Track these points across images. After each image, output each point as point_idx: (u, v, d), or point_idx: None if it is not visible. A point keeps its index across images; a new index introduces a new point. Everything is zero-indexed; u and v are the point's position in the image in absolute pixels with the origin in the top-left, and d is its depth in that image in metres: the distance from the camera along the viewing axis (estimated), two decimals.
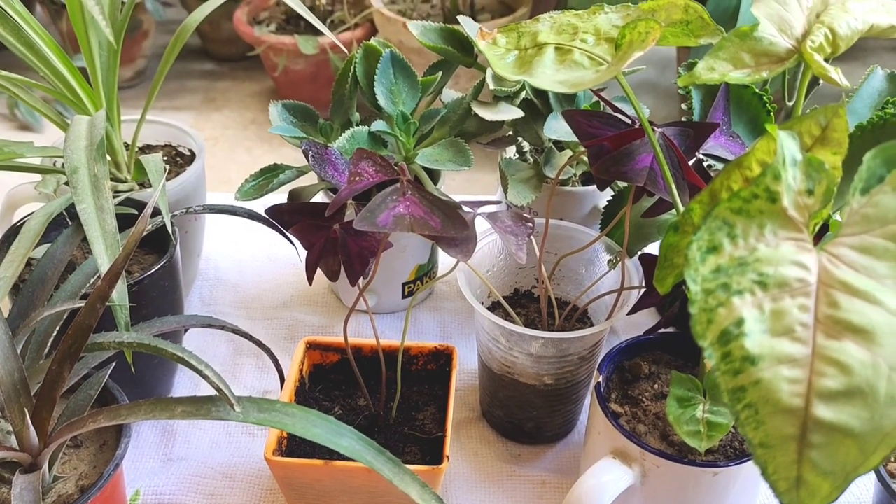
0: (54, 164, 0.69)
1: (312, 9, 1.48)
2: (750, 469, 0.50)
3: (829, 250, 0.32)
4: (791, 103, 0.58)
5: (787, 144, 0.33)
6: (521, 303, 0.67)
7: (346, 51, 0.90)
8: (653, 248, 0.67)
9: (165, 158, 0.76)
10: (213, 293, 0.78)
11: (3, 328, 0.45)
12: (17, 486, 0.42)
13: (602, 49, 0.47)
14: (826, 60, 0.39)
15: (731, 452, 0.51)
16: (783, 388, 0.29)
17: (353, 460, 0.50)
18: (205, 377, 0.40)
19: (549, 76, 0.45)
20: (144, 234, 0.59)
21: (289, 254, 0.80)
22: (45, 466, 0.46)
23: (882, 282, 0.31)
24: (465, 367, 0.71)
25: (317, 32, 1.42)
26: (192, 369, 0.40)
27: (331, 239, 0.53)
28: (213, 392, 0.41)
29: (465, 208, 0.51)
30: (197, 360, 0.40)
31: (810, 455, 0.29)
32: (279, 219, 0.56)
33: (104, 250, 0.48)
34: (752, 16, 1.22)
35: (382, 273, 0.73)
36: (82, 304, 0.44)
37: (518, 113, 0.66)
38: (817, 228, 0.34)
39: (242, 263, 0.82)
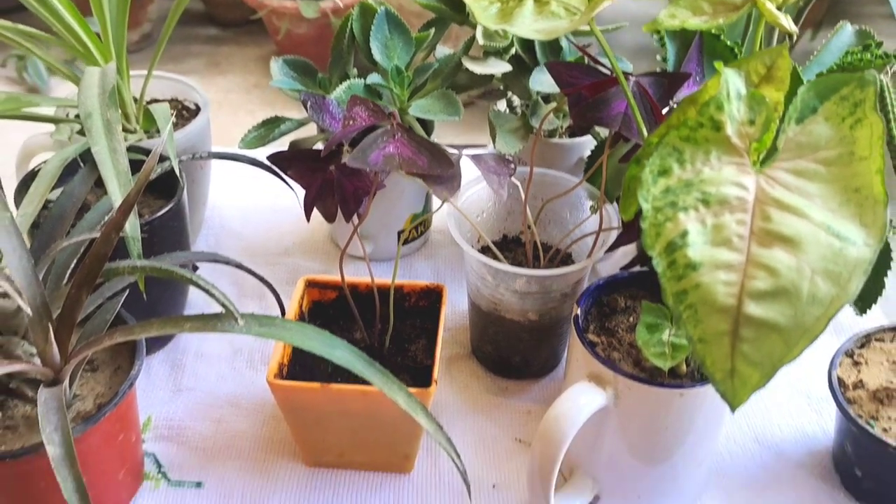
0: (67, 115, 0.73)
1: None
2: (714, 391, 0.54)
3: (766, 173, 0.36)
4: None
5: (731, 80, 0.37)
6: (509, 247, 0.71)
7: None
8: None
9: (172, 112, 0.79)
10: (219, 240, 0.83)
11: (26, 257, 0.49)
12: (43, 396, 0.46)
13: (577, 1, 0.50)
14: (778, 9, 0.43)
15: (698, 377, 0.55)
16: (719, 290, 0.33)
17: (350, 383, 0.54)
18: (212, 295, 0.44)
19: (527, 25, 0.49)
20: (153, 177, 0.63)
21: (290, 204, 0.84)
22: (66, 383, 0.50)
23: (811, 199, 0.34)
24: (456, 309, 0.75)
25: None
26: (200, 288, 0.44)
27: (327, 180, 0.56)
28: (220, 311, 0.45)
29: (451, 151, 0.55)
30: (204, 281, 0.45)
31: (742, 348, 0.33)
32: (280, 165, 0.60)
33: (118, 188, 0.52)
34: None
35: (378, 221, 0.77)
36: (98, 236, 0.48)
37: (506, 67, 0.70)
38: (762, 157, 0.38)
39: (246, 213, 0.86)
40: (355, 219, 0.58)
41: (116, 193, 0.52)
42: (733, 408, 0.34)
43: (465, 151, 0.55)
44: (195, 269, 0.63)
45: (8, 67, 1.65)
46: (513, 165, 0.56)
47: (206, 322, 0.44)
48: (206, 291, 0.44)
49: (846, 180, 0.34)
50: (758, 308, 0.33)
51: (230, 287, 0.77)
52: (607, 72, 0.58)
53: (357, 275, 0.79)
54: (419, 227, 0.81)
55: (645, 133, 0.53)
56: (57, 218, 0.55)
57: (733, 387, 0.33)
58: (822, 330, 0.32)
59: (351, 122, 0.53)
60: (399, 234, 0.79)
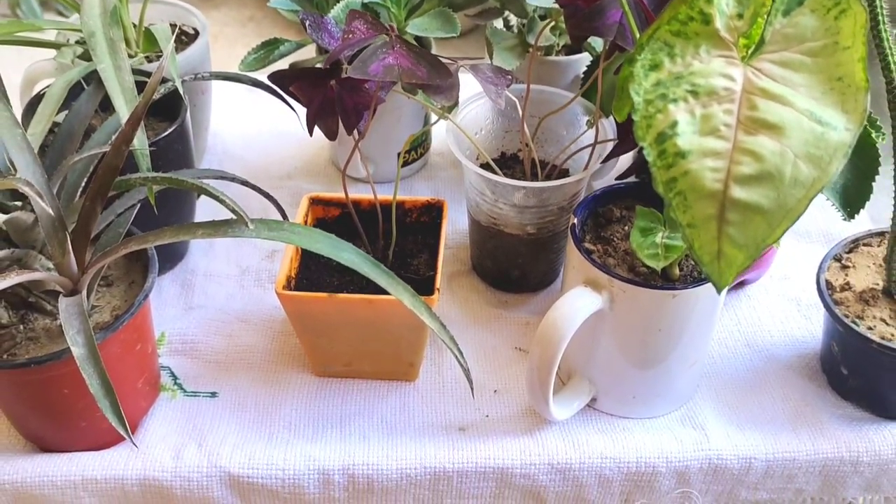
0: (68, 41, 0.73)
1: None
2: (706, 292, 0.56)
3: (753, 64, 0.37)
4: None
5: None
6: (508, 164, 0.73)
7: None
8: None
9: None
10: (222, 165, 0.84)
11: (40, 172, 0.51)
12: (63, 304, 0.49)
13: None
14: None
15: (691, 281, 0.57)
16: (707, 176, 0.35)
17: (355, 293, 0.57)
18: (222, 202, 0.46)
19: None
20: (156, 98, 0.64)
21: (292, 128, 0.85)
22: (84, 293, 0.52)
23: (796, 89, 0.36)
24: (456, 227, 0.77)
25: None
26: (210, 196, 0.46)
27: (328, 97, 0.58)
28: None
29: (449, 62, 0.56)
30: (214, 189, 0.46)
31: (728, 231, 0.35)
32: (281, 84, 0.61)
33: (124, 104, 0.54)
34: None
35: (379, 143, 0.78)
36: (105, 149, 0.50)
37: None
38: (750, 50, 0.39)
39: (248, 138, 0.87)
40: (356, 135, 0.59)
41: (123, 109, 0.53)
42: (719, 288, 0.36)
43: (462, 62, 0.56)
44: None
45: (2, 5, 1.63)
46: (510, 76, 0.57)
47: (218, 228, 0.46)
48: (216, 198, 0.45)
49: (830, 70, 0.36)
50: (743, 192, 0.35)
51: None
52: None
53: (359, 194, 0.81)
54: (419, 148, 0.82)
55: None
56: (66, 136, 0.56)
57: (719, 268, 0.35)
58: (803, 211, 0.34)
59: (350, 36, 0.54)
60: (399, 155, 0.81)
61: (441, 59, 0.54)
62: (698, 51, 0.37)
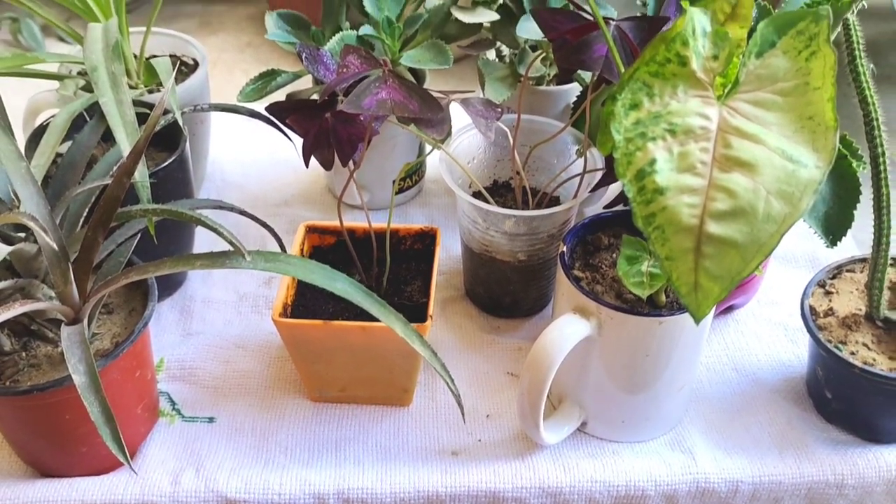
0: (70, 72, 0.75)
1: None
2: (691, 320, 0.57)
3: (728, 104, 0.39)
4: None
5: (697, 18, 0.39)
6: (500, 192, 0.74)
7: None
8: None
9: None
10: (220, 193, 0.85)
11: (43, 204, 0.53)
12: (65, 333, 0.50)
13: None
14: None
15: (677, 307, 0.58)
16: (684, 212, 0.37)
17: (350, 320, 0.58)
18: (219, 234, 0.47)
19: None
20: (157, 129, 0.66)
21: (289, 156, 0.86)
22: (85, 322, 0.53)
23: (769, 127, 0.38)
24: (450, 254, 0.79)
25: None
26: (208, 227, 0.48)
27: (323, 128, 0.59)
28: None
29: (440, 96, 0.58)
30: (211, 221, 0.48)
31: (704, 264, 0.36)
32: (278, 116, 0.63)
33: (125, 137, 0.55)
34: None
35: (374, 172, 0.80)
36: (111, 181, 0.52)
37: (494, 16, 0.72)
38: (726, 90, 0.41)
39: (246, 166, 0.89)
40: (351, 164, 0.61)
41: (125, 142, 0.55)
42: (697, 319, 0.37)
43: (454, 96, 0.58)
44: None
45: (3, 30, 1.66)
46: (500, 109, 0.59)
47: (216, 259, 0.47)
48: (214, 230, 0.47)
49: (801, 109, 0.37)
50: (718, 227, 0.36)
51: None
52: (590, 17, 0.61)
53: (354, 222, 0.82)
54: (413, 176, 0.84)
55: None
56: (69, 167, 0.58)
57: (697, 300, 0.37)
58: (776, 245, 0.35)
59: (345, 70, 0.56)
60: (394, 182, 0.82)
61: (433, 92, 0.55)
62: (676, 91, 0.39)
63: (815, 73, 0.38)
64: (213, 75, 0.86)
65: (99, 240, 0.50)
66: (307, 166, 0.60)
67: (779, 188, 0.36)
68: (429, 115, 0.53)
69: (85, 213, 0.58)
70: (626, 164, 0.38)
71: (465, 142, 0.71)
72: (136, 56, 0.76)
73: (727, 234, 0.36)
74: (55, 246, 0.48)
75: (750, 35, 0.41)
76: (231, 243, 0.47)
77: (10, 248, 0.51)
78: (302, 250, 0.67)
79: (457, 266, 0.78)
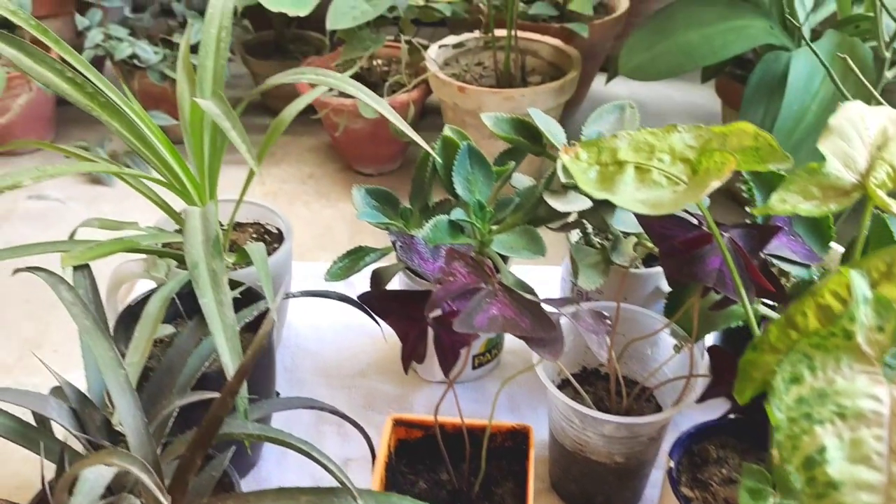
0: (157, 245, 0.75)
1: (369, 70, 1.56)
2: None
3: None
4: None
5: (858, 284, 0.37)
6: (589, 380, 0.72)
7: (400, 115, 0.96)
8: (715, 336, 0.72)
9: (255, 236, 0.82)
10: (295, 360, 0.84)
11: (140, 416, 0.51)
12: None
13: (678, 169, 0.51)
14: (889, 195, 0.44)
15: None
16: None
17: None
18: (329, 471, 0.45)
19: (630, 194, 0.50)
20: (248, 320, 0.65)
21: (364, 322, 0.85)
22: None
23: None
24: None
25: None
26: (316, 462, 0.45)
27: (422, 330, 0.58)
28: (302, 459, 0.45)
29: (547, 307, 0.56)
30: (319, 453, 0.45)
31: None
32: (371, 304, 0.62)
33: (225, 342, 0.54)
34: (800, 79, 1.22)
35: None
36: (209, 395, 0.50)
37: (587, 203, 0.71)
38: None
39: (321, 331, 0.87)
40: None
41: (224, 347, 0.54)
42: None
43: (563, 310, 0.56)
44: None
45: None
46: (609, 322, 0.57)
47: (323, 497, 0.45)
48: (323, 466, 0.45)
49: None
50: None
51: (308, 414, 0.78)
52: (695, 221, 0.59)
53: (433, 399, 0.80)
54: (493, 350, 0.82)
55: (741, 289, 0.54)
56: (166, 370, 0.56)
57: None
58: None
59: (451, 279, 0.54)
60: (474, 357, 0.80)
61: (543, 308, 0.54)
62: (840, 365, 0.36)
63: None
64: (275, 204, 0.87)
65: (197, 462, 0.48)
66: (406, 372, 0.58)
67: None
68: (541, 334, 0.51)
69: (174, 415, 0.56)
70: (790, 448, 0.35)
71: None
72: (222, 226, 0.76)
73: None
74: (151, 469, 0.45)
75: None
76: (342, 483, 0.44)
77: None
78: (389, 445, 0.64)
79: (541, 453, 0.74)
